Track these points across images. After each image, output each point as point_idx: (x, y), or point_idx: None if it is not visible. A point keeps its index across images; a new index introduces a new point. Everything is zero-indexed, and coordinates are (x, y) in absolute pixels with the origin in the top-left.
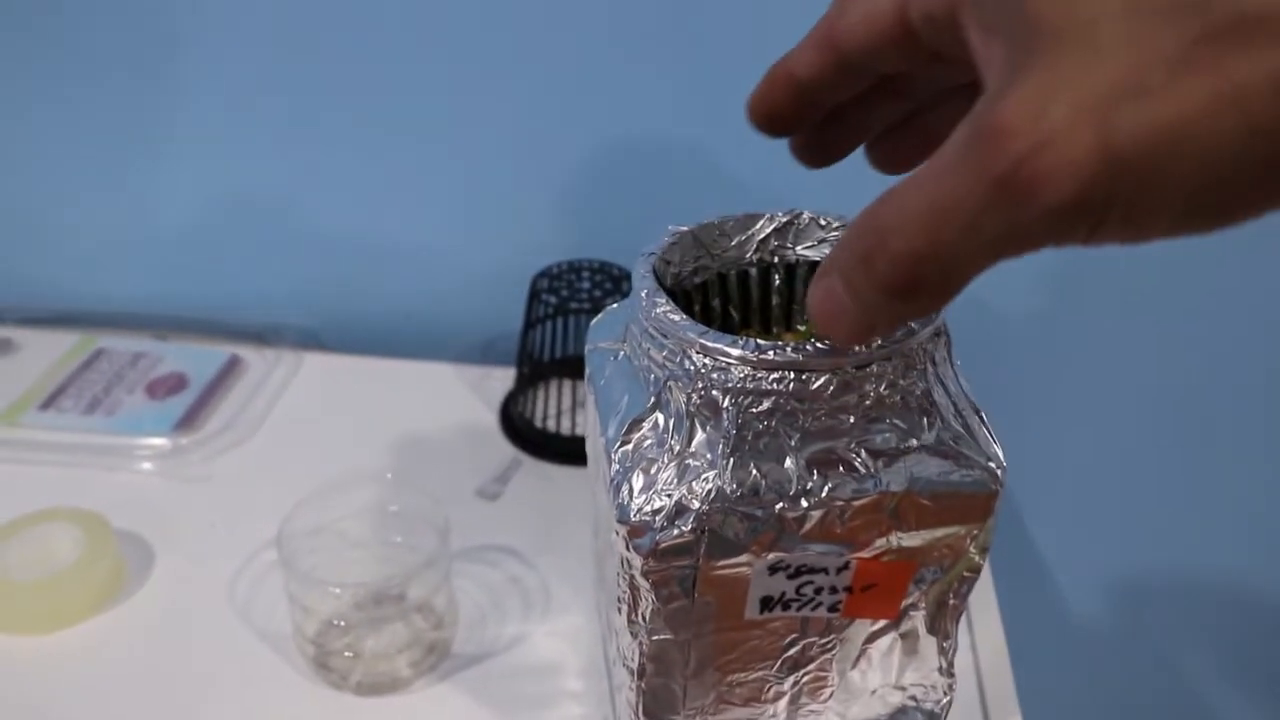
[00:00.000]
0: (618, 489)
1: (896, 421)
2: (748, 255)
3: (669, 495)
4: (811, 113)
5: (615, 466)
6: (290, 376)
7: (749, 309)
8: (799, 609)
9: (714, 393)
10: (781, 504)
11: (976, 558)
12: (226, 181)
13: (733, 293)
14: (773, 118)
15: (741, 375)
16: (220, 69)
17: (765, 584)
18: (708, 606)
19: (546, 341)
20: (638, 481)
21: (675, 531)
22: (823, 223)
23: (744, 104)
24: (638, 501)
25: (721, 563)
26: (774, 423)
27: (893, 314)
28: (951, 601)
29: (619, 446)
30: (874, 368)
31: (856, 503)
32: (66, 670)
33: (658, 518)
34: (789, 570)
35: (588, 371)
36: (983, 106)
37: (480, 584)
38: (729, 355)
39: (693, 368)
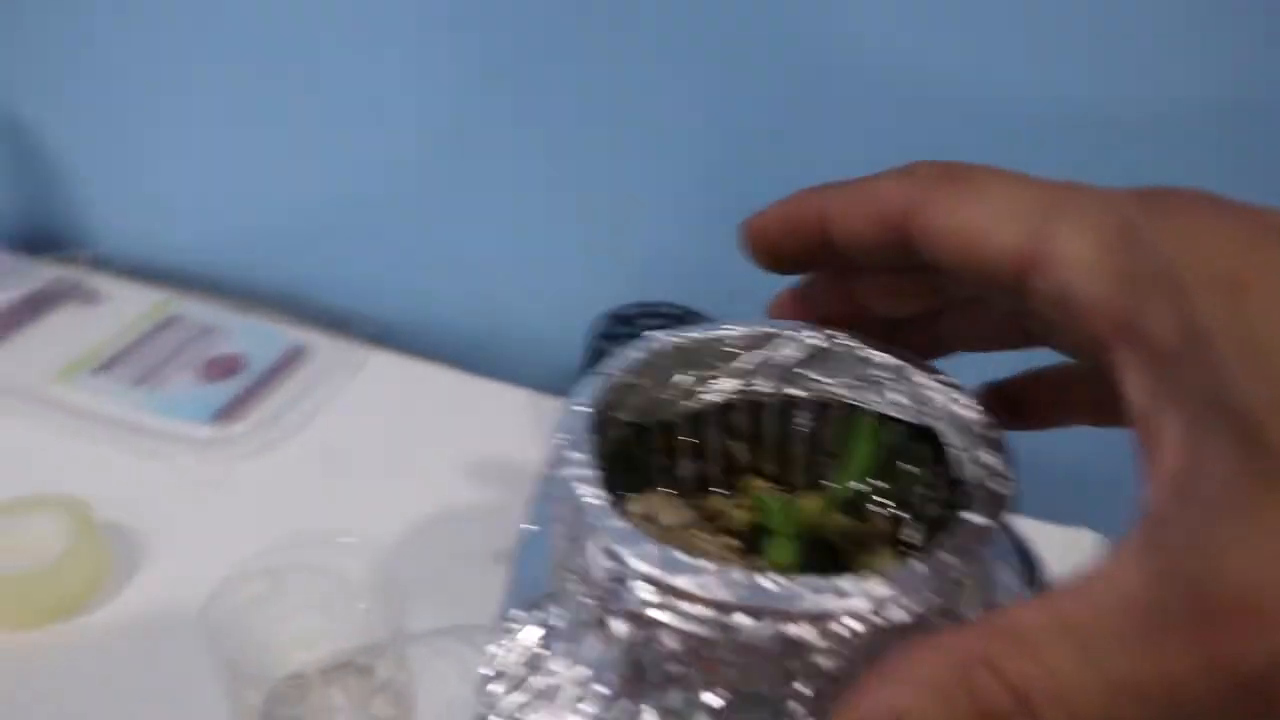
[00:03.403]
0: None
1: None
2: (758, 382)
3: None
4: (823, 264)
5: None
6: (351, 376)
7: (760, 446)
8: None
9: (609, 610)
10: None
11: None
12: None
13: (739, 427)
14: (780, 258)
15: (648, 598)
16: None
17: None
18: None
19: None
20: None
21: None
22: (862, 354)
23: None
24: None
25: None
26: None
27: None
28: None
29: (498, 639)
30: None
31: None
32: (21, 671)
33: None
34: None
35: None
36: (1185, 542)
37: (458, 667)
38: (635, 569)
39: (587, 565)
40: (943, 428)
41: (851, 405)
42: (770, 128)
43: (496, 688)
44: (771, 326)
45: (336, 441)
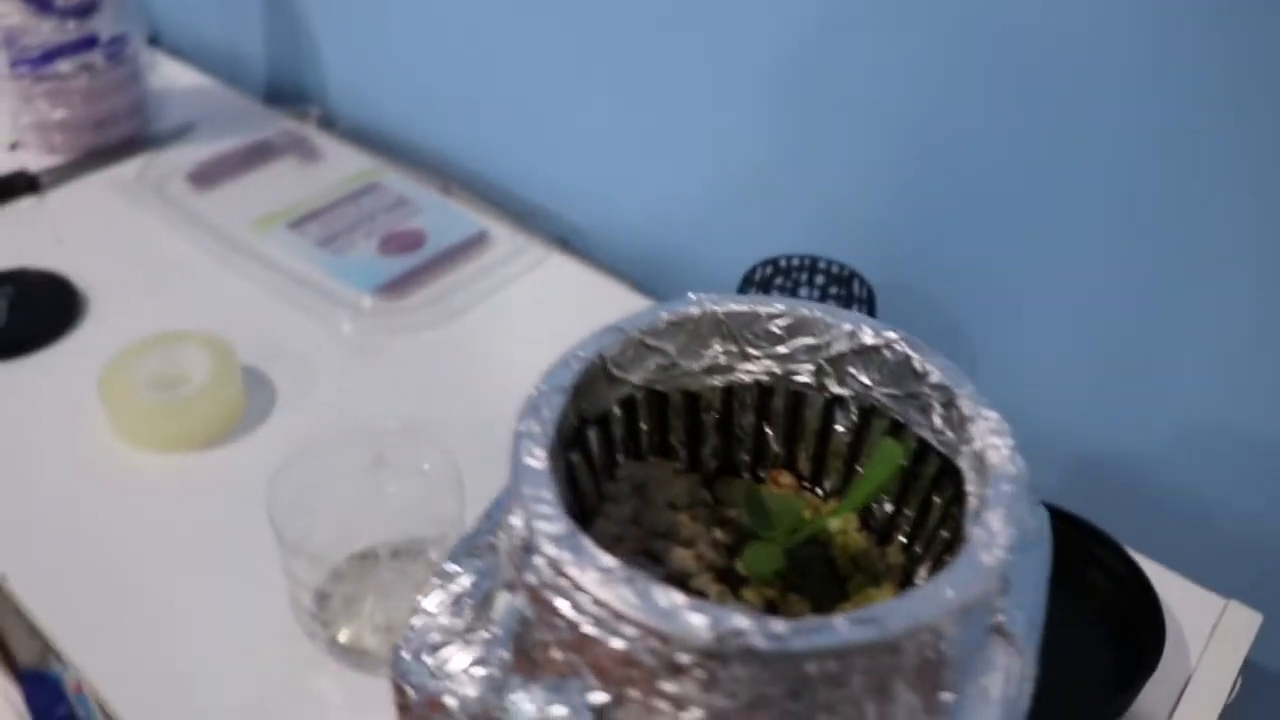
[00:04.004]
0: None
1: None
2: (802, 372)
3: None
4: None
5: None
6: (527, 271)
7: (797, 440)
8: None
9: (517, 579)
10: None
11: None
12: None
13: (775, 414)
14: None
15: (545, 578)
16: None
17: None
18: None
19: None
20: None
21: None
22: (918, 366)
23: None
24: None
25: None
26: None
27: None
28: None
29: (440, 582)
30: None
31: None
32: (151, 490)
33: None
34: None
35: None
36: None
37: None
38: (540, 545)
39: (510, 526)
40: (967, 469)
41: (895, 421)
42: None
43: (418, 622)
44: (827, 314)
45: (493, 332)
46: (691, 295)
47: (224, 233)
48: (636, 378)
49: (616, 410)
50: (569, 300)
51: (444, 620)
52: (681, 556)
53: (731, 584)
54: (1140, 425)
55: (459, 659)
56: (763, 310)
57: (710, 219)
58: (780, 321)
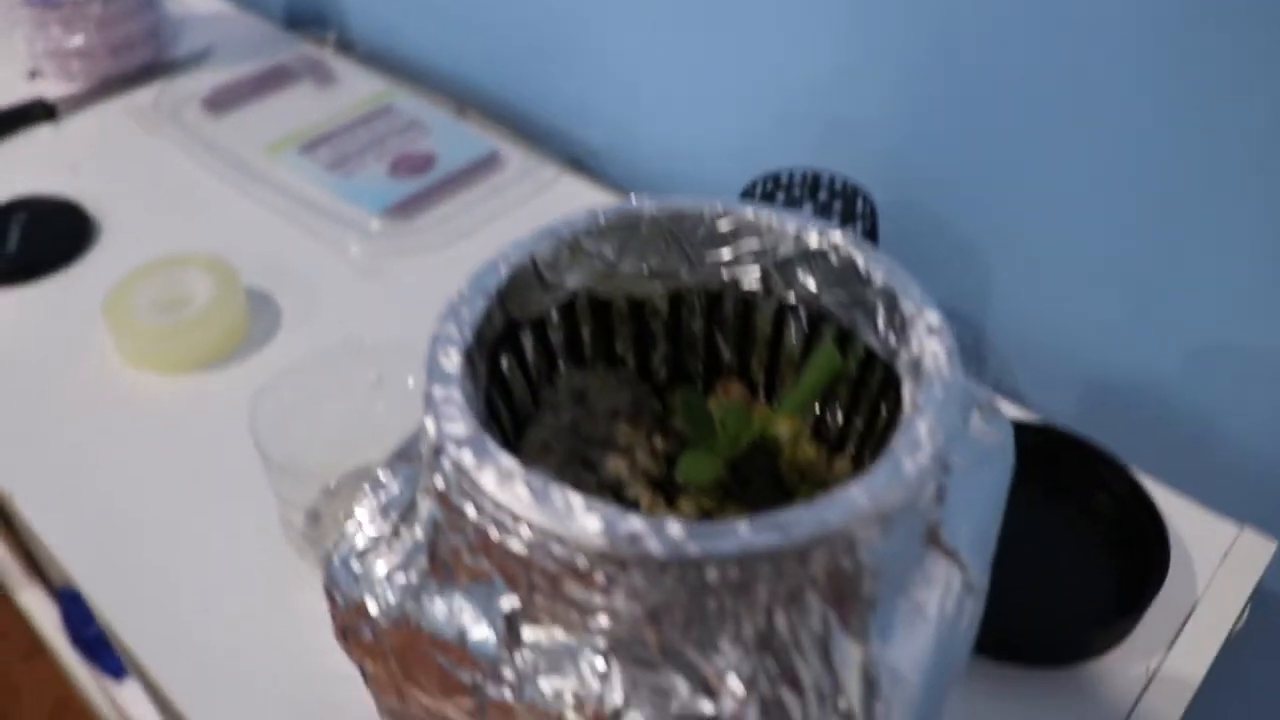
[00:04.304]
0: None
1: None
2: (749, 277)
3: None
4: None
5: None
6: (536, 193)
7: (748, 349)
8: None
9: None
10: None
11: None
12: None
13: (728, 322)
14: None
15: (451, 481)
16: None
17: None
18: None
19: None
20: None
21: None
22: (861, 268)
23: None
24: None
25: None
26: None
27: None
28: None
29: (370, 490)
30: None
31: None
32: (157, 410)
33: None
34: None
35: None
36: None
37: None
38: (447, 448)
39: (433, 456)
40: (905, 375)
41: (842, 328)
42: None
43: (349, 529)
44: (773, 216)
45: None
46: (633, 196)
47: (237, 158)
48: (573, 282)
49: (555, 316)
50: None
51: (371, 528)
52: (615, 465)
53: (669, 494)
54: (1156, 348)
55: (381, 565)
56: (706, 211)
57: (726, 141)
58: (724, 223)
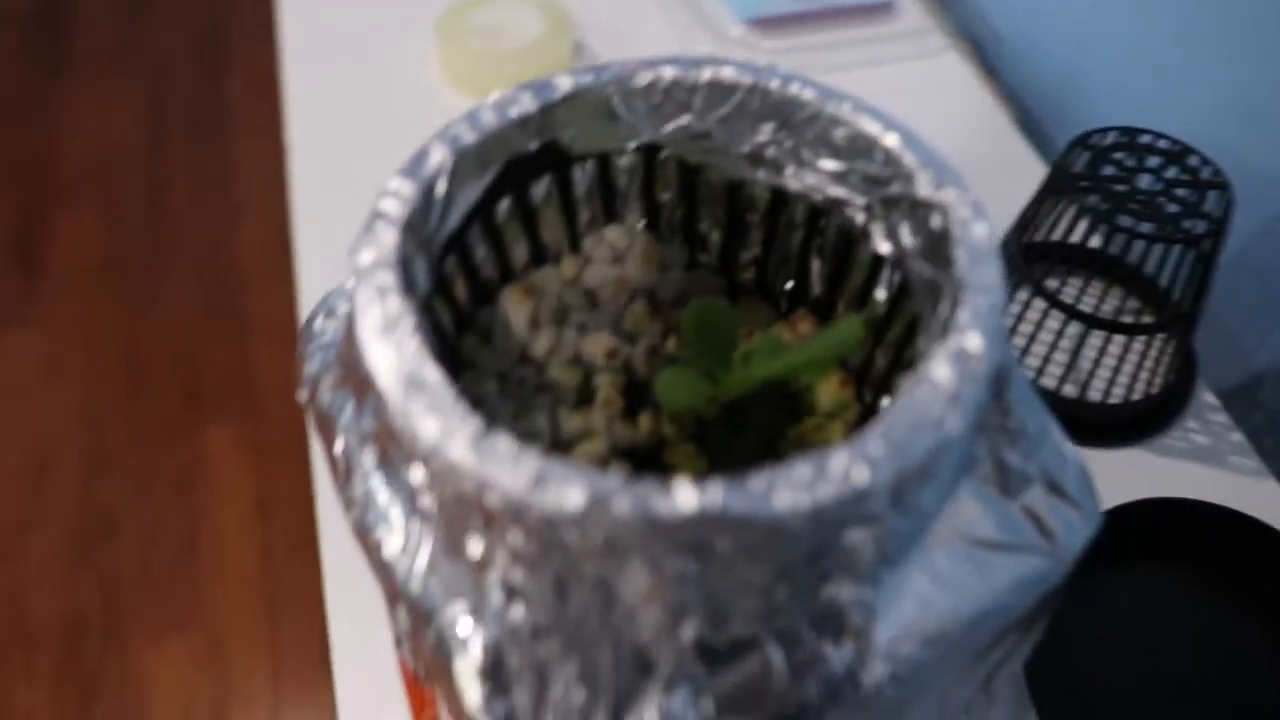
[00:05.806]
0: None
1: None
2: (856, 205)
3: None
4: None
5: None
6: (916, 58)
7: (839, 286)
8: None
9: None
10: None
11: None
12: None
13: (827, 247)
14: None
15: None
16: None
17: None
18: None
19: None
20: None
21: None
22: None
23: None
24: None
25: None
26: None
27: None
28: None
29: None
30: None
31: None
32: None
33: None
34: None
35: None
36: None
37: None
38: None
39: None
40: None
41: (848, 233)
42: None
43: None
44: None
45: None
46: (741, 63)
47: None
48: (650, 134)
49: (626, 160)
50: (938, 107)
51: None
52: (598, 343)
53: (637, 401)
54: None
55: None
56: (829, 108)
57: (1135, 80)
58: (841, 131)
